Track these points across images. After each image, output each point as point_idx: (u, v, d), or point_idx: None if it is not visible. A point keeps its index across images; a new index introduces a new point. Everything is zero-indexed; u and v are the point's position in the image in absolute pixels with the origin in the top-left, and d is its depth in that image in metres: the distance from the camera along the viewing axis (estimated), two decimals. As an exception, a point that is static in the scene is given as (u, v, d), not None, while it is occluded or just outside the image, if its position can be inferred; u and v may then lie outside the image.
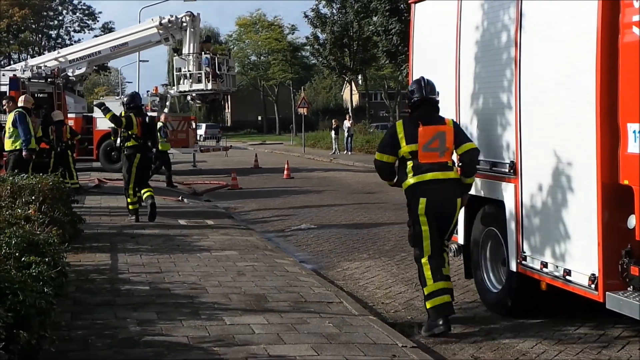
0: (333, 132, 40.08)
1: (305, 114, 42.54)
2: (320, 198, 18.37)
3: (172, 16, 25.96)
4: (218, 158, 34.44)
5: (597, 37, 5.61)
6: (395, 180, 6.98)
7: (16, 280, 4.65)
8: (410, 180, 6.71)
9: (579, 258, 5.96)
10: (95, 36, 49.05)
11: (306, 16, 53.21)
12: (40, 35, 74.21)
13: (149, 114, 18.01)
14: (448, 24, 8.08)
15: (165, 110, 26.41)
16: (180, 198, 17.02)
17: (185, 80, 26.28)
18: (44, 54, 48.68)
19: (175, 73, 27.39)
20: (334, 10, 52.45)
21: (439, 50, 8.40)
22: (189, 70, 26.04)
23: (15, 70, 23.69)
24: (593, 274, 5.72)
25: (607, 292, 5.61)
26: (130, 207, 12.96)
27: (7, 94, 19.63)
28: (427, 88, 6.92)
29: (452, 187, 6.77)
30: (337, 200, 17.80)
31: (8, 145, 12.86)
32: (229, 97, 76.39)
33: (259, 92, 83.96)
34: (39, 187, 9.34)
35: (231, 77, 28.04)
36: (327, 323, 6.48)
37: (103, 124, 17.85)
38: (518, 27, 6.76)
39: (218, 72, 25.97)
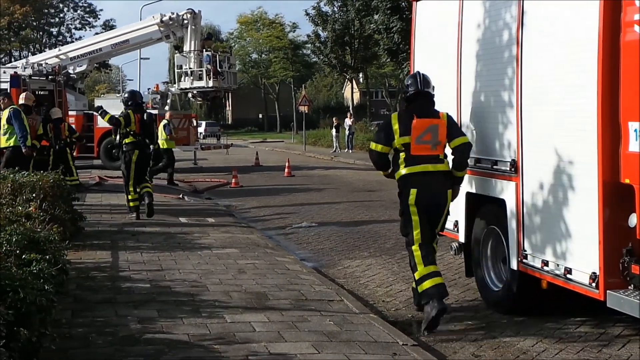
0: (334, 130, 40.06)
1: (306, 112, 42.49)
2: (321, 196, 18.37)
3: (173, 13, 25.97)
4: (219, 156, 34.42)
5: (598, 35, 5.61)
6: (389, 171, 7.17)
7: (17, 277, 4.65)
8: (402, 171, 6.91)
9: (579, 256, 5.96)
10: (97, 34, 48.98)
11: (307, 14, 53.22)
12: (41, 33, 74.14)
13: (151, 111, 18.00)
14: (449, 22, 8.08)
15: (167, 107, 26.42)
16: (181, 196, 17.02)
17: (186, 78, 26.29)
18: (44, 51, 48.59)
19: (176, 70, 27.39)
20: (335, 8, 52.41)
21: (440, 48, 8.40)
22: (190, 68, 26.05)
23: (16, 67, 23.65)
24: (594, 273, 5.72)
25: (607, 291, 5.60)
26: (130, 204, 12.98)
27: (8, 91, 19.63)
28: (422, 81, 7.08)
29: (442, 180, 6.93)
30: (338, 198, 17.80)
31: (3, 142, 12.84)
32: (230, 94, 76.19)
33: (260, 90, 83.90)
34: (40, 185, 9.34)
35: (232, 75, 28.05)
36: (328, 321, 6.48)
37: (104, 121, 17.82)
38: (519, 26, 6.76)
39: (219, 70, 25.98)
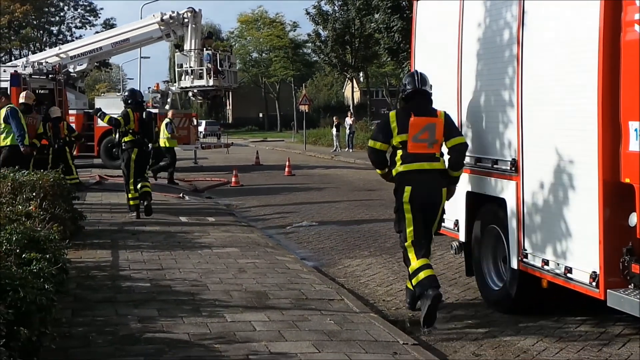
0: (334, 129, 40.06)
1: (307, 111, 42.47)
2: (321, 195, 18.36)
3: (173, 12, 25.97)
4: (219, 155, 34.44)
5: (599, 35, 5.61)
6: (386, 170, 7.23)
7: (17, 276, 4.65)
8: (399, 168, 7.01)
9: (580, 256, 5.96)
10: (97, 32, 48.98)
11: (308, 13, 53.22)
12: (41, 32, 74.09)
13: (151, 110, 18.00)
14: (450, 22, 8.08)
15: (167, 106, 26.43)
16: (181, 195, 17.02)
17: (187, 77, 26.29)
18: (45, 50, 48.63)
19: (176, 69, 27.39)
20: (336, 8, 52.39)
21: (441, 47, 8.40)
22: (190, 67, 26.05)
23: (16, 66, 23.67)
24: (594, 272, 5.72)
25: (608, 290, 5.61)
26: (130, 202, 12.99)
27: (8, 90, 19.62)
28: (419, 80, 7.16)
29: (438, 178, 7.01)
30: (338, 197, 17.80)
31: (0, 141, 12.82)
32: (230, 94, 76.48)
33: (260, 89, 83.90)
34: (40, 184, 9.33)
35: (232, 74, 28.06)
36: (328, 320, 6.48)
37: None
38: (520, 25, 6.76)
39: (219, 69, 25.98)
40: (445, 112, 7.13)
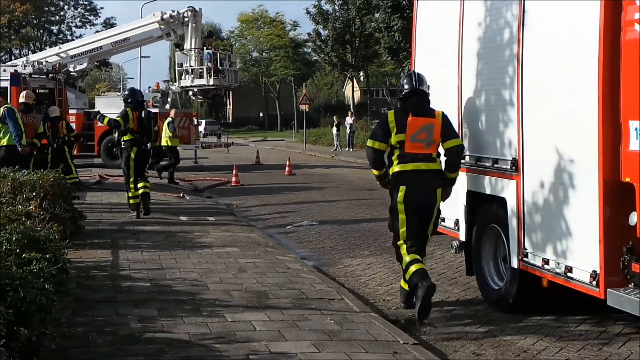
0: (334, 128, 40.05)
1: (307, 110, 42.46)
2: (321, 195, 18.36)
3: (173, 11, 25.97)
4: (219, 154, 34.45)
5: (599, 34, 5.60)
6: (383, 171, 7.30)
7: (17, 276, 4.64)
8: (395, 167, 7.09)
9: (580, 255, 5.95)
10: (97, 32, 49.02)
11: (308, 12, 53.13)
12: (41, 31, 74.08)
13: (151, 109, 18.00)
14: (451, 21, 8.07)
15: (167, 106, 26.44)
16: (181, 194, 17.01)
17: (187, 76, 26.29)
18: (45, 49, 48.63)
19: (176, 68, 27.39)
20: (336, 7, 52.32)
21: (442, 47, 8.39)
22: (190, 66, 26.05)
23: (16, 65, 23.65)
24: (594, 271, 5.72)
25: (608, 289, 5.60)
26: (130, 201, 13.01)
27: (8, 89, 19.62)
28: (417, 80, 7.23)
29: (433, 178, 7.09)
30: (338, 196, 17.80)
31: None
32: (230, 93, 76.34)
33: (260, 88, 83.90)
34: (40, 184, 9.33)
35: (233, 73, 28.05)
36: (329, 320, 6.47)
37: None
38: (520, 25, 6.75)
39: (220, 68, 25.97)
40: (443, 113, 7.17)
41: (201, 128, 47.68)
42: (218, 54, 26.38)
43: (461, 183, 7.68)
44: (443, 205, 7.56)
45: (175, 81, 27.73)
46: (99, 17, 75.93)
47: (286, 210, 15.37)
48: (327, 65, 60.82)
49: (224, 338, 5.81)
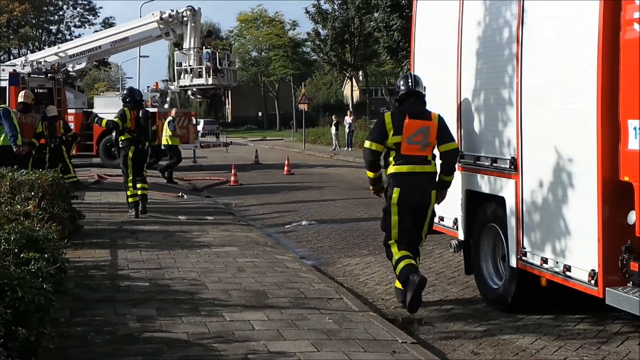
0: (333, 128, 40.05)
1: (306, 110, 42.44)
2: (320, 194, 18.36)
3: (172, 11, 25.95)
4: (218, 154, 34.44)
5: (598, 33, 5.60)
6: (379, 173, 7.34)
7: (15, 276, 4.64)
8: (391, 169, 7.15)
9: (579, 254, 5.95)
10: (96, 31, 48.97)
11: (307, 12, 53.16)
12: (40, 30, 74.06)
13: (149, 109, 17.99)
14: (450, 20, 8.07)
15: (166, 105, 26.43)
16: (180, 194, 17.01)
17: (186, 75, 26.26)
18: (44, 49, 48.62)
19: (175, 68, 27.37)
20: (335, 6, 52.33)
21: (441, 46, 8.38)
22: (189, 65, 26.02)
23: (15, 65, 23.65)
24: (593, 270, 5.72)
25: (606, 288, 5.60)
26: (130, 199, 13.04)
27: (7, 89, 19.60)
28: (413, 82, 7.30)
29: (428, 180, 7.16)
30: (337, 196, 17.80)
31: None
32: (229, 93, 76.42)
33: (259, 88, 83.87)
34: (39, 183, 9.33)
35: (232, 72, 28.03)
36: (327, 319, 6.47)
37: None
38: (520, 24, 6.75)
39: (219, 67, 25.95)
40: (439, 115, 7.21)
41: (200, 127, 47.72)
42: (217, 54, 26.36)
43: (460, 182, 7.69)
44: (442, 204, 7.58)
45: (174, 80, 27.71)
46: (98, 16, 76.00)
47: (285, 210, 15.36)
48: (326, 65, 60.79)
49: (223, 337, 5.81)
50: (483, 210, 7.53)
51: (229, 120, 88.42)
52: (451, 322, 6.98)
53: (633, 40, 5.33)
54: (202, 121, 51.92)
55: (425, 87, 7.35)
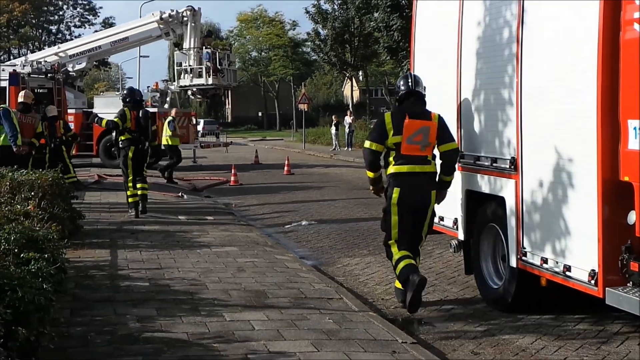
0: (333, 128, 40.04)
1: (306, 110, 42.43)
2: (320, 194, 18.36)
3: (172, 11, 25.95)
4: (218, 154, 34.44)
5: (598, 33, 5.60)
6: (379, 174, 7.34)
7: (15, 276, 4.64)
8: (391, 169, 7.16)
9: (579, 254, 5.95)
10: (96, 31, 48.97)
11: (307, 12, 53.17)
12: (40, 30, 74.05)
13: (149, 109, 17.99)
14: (450, 20, 8.07)
15: (166, 105, 26.43)
16: (180, 194, 17.00)
17: (186, 75, 26.27)
18: (44, 49, 48.62)
19: (175, 67, 27.37)
20: (335, 6, 52.34)
21: (441, 46, 8.38)
22: (189, 65, 26.02)
23: (15, 65, 23.64)
24: (593, 270, 5.72)
25: (606, 288, 5.60)
26: (130, 199, 13.04)
27: (7, 89, 19.60)
28: (413, 82, 7.30)
29: (428, 180, 7.17)
30: (337, 196, 17.79)
31: None
32: (229, 93, 76.43)
33: (259, 88, 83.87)
34: (39, 183, 9.33)
35: (232, 72, 28.03)
36: (327, 319, 6.47)
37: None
38: (520, 24, 6.75)
39: (219, 67, 25.95)
40: (439, 115, 7.21)
41: (200, 127, 47.72)
42: (217, 54, 26.36)
43: (460, 182, 7.69)
44: (442, 204, 7.59)
45: (174, 80, 27.71)
46: (98, 16, 75.99)
47: (285, 210, 15.36)
48: (326, 65, 60.80)
49: (223, 337, 5.81)
50: (483, 210, 7.53)
51: (229, 120, 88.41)
52: (451, 322, 6.98)
53: (633, 40, 5.33)
54: (202, 121, 51.95)
55: (425, 87, 7.36)
